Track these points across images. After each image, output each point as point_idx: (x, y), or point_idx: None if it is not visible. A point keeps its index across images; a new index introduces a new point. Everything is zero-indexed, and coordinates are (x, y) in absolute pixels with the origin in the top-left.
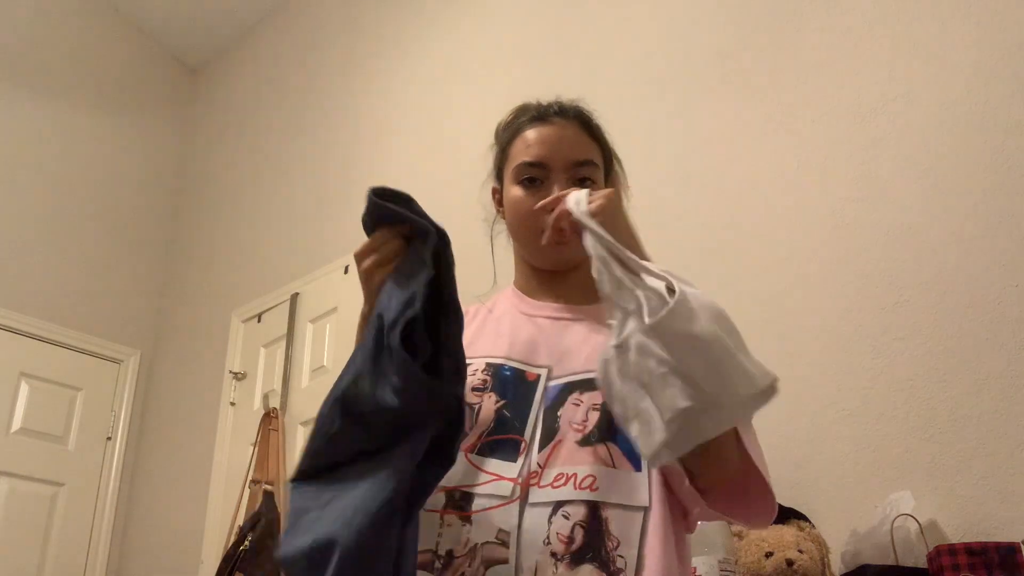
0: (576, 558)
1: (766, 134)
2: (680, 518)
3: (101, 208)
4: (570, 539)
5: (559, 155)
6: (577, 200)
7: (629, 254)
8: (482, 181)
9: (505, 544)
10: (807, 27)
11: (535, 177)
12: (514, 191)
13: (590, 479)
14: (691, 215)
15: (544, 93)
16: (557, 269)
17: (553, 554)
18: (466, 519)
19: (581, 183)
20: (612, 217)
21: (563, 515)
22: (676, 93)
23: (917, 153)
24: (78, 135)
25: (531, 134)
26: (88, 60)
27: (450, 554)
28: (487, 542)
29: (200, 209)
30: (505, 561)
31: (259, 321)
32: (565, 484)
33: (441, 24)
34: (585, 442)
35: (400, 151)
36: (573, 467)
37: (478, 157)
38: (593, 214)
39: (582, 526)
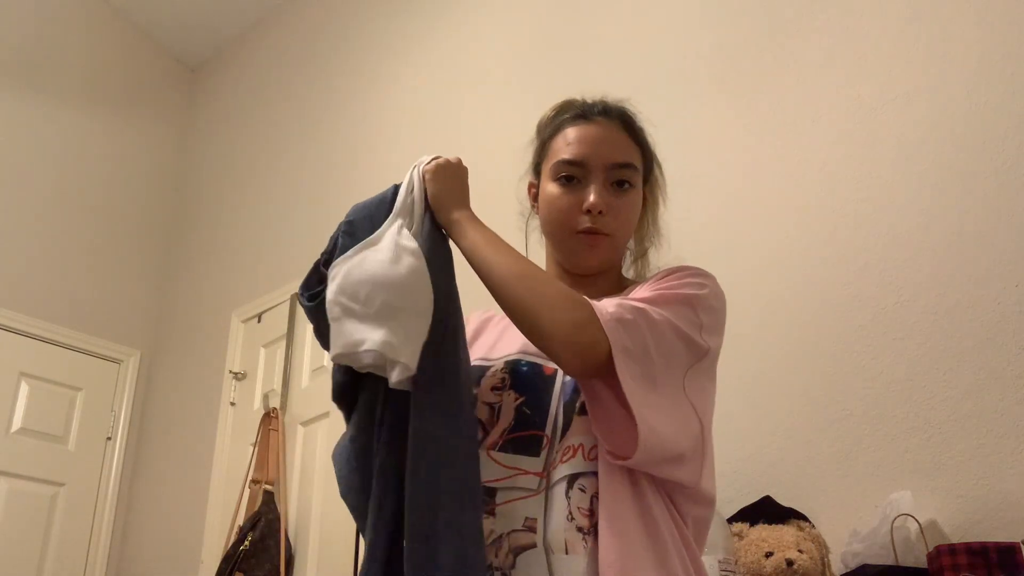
0: (598, 530)
1: (766, 134)
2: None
3: (101, 208)
4: (591, 511)
5: (598, 155)
6: (420, 162)
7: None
8: (485, 179)
9: (532, 530)
10: (807, 27)
11: (573, 176)
12: (550, 188)
13: (596, 450)
14: (692, 215)
15: (545, 94)
16: (586, 272)
17: (579, 529)
18: (490, 512)
19: (619, 185)
20: (434, 177)
21: (579, 488)
22: (676, 93)
23: (917, 153)
24: (77, 135)
25: (572, 132)
26: (87, 60)
27: None
28: (514, 530)
29: (200, 209)
30: (534, 545)
31: (259, 321)
32: (574, 456)
33: (443, 23)
34: (583, 410)
35: (401, 150)
36: (579, 437)
37: (480, 156)
38: (426, 171)
39: (597, 498)
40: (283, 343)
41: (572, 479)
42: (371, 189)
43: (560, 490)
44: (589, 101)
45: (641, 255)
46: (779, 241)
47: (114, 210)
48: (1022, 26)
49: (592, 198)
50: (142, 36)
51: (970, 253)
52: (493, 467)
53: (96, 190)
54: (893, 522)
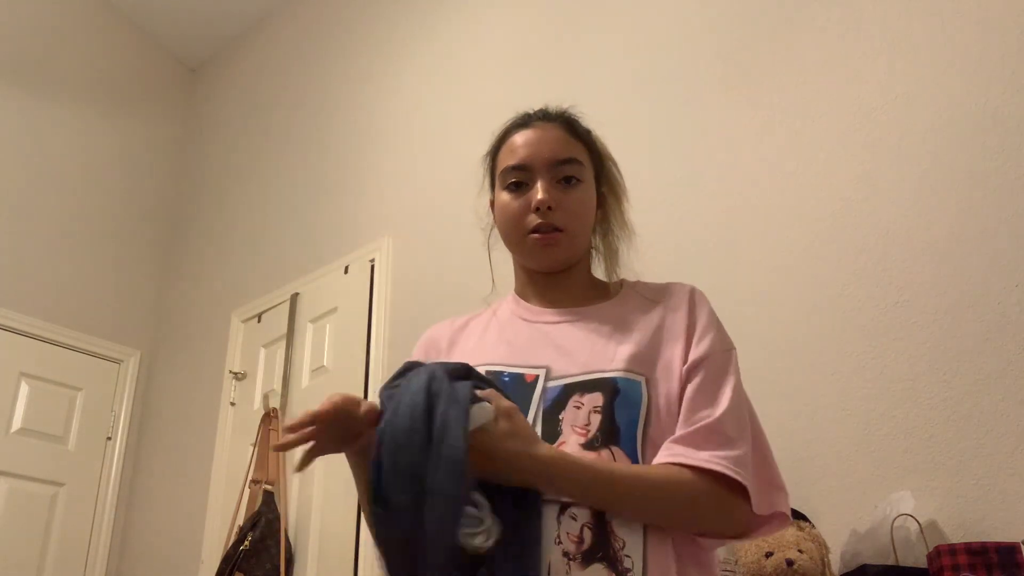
0: (587, 557)
1: (766, 134)
2: None
3: (101, 208)
4: (580, 539)
5: (540, 155)
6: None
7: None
8: (481, 185)
9: None
10: (807, 27)
11: (520, 180)
12: (502, 196)
13: None
14: (692, 216)
15: (544, 95)
16: (551, 270)
17: (565, 553)
18: None
19: (566, 181)
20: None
21: (570, 516)
22: (676, 94)
23: (917, 153)
24: (78, 135)
25: (515, 139)
26: (88, 60)
27: None
28: None
29: (200, 209)
30: None
31: (259, 321)
32: None
33: (445, 23)
34: (589, 446)
35: (400, 150)
36: None
37: (479, 156)
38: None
39: (589, 527)
40: (283, 343)
41: (565, 506)
42: (370, 188)
43: (551, 513)
44: (532, 109)
45: (610, 254)
46: (779, 241)
47: (114, 210)
48: (1022, 26)
49: (539, 195)
50: (142, 36)
51: (970, 253)
52: None
53: (96, 190)
54: (893, 522)
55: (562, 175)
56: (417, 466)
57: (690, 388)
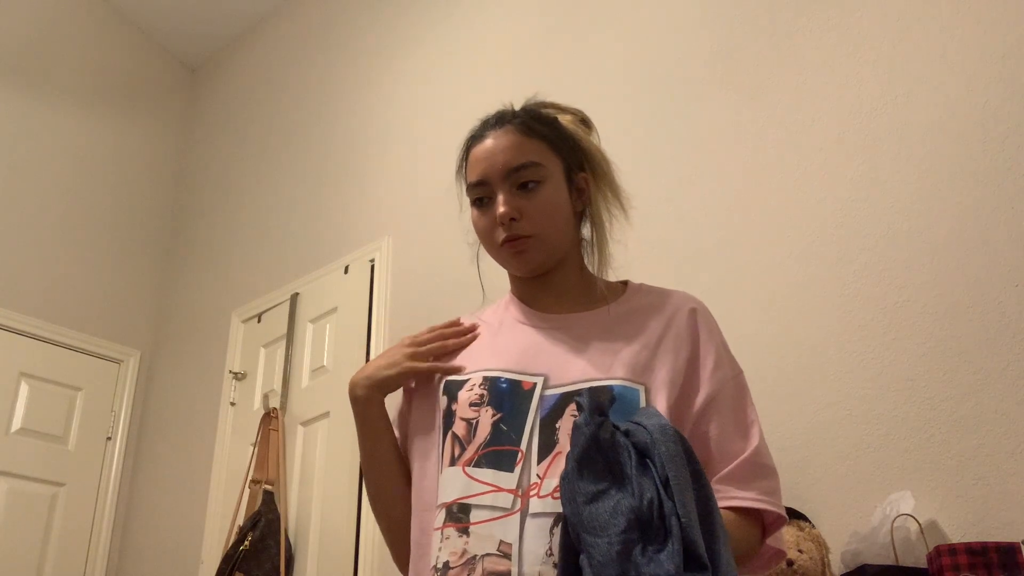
0: None
1: (766, 134)
2: None
3: (101, 208)
4: None
5: (494, 168)
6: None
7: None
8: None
9: (507, 556)
10: (807, 27)
11: (482, 196)
12: (472, 213)
13: None
14: (691, 216)
15: (543, 95)
16: (535, 274)
17: (556, 565)
18: (463, 531)
19: (523, 187)
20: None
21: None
22: (676, 93)
23: (917, 153)
24: (78, 135)
25: (473, 154)
26: (87, 60)
27: (446, 565)
28: (488, 554)
29: (200, 209)
30: (508, 573)
31: (259, 321)
32: None
33: (443, 24)
34: None
35: (400, 150)
36: None
37: None
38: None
39: None
40: (283, 343)
41: (559, 517)
42: (370, 188)
43: (544, 524)
44: (490, 116)
45: (598, 249)
46: (779, 241)
47: (114, 210)
48: (1022, 26)
49: (500, 209)
50: (142, 36)
51: (970, 253)
52: (467, 483)
53: (96, 190)
54: (893, 522)
55: (519, 181)
56: None
57: (717, 422)
